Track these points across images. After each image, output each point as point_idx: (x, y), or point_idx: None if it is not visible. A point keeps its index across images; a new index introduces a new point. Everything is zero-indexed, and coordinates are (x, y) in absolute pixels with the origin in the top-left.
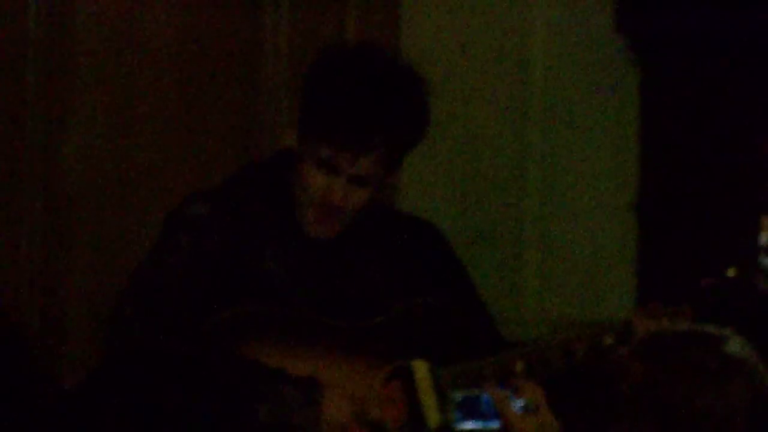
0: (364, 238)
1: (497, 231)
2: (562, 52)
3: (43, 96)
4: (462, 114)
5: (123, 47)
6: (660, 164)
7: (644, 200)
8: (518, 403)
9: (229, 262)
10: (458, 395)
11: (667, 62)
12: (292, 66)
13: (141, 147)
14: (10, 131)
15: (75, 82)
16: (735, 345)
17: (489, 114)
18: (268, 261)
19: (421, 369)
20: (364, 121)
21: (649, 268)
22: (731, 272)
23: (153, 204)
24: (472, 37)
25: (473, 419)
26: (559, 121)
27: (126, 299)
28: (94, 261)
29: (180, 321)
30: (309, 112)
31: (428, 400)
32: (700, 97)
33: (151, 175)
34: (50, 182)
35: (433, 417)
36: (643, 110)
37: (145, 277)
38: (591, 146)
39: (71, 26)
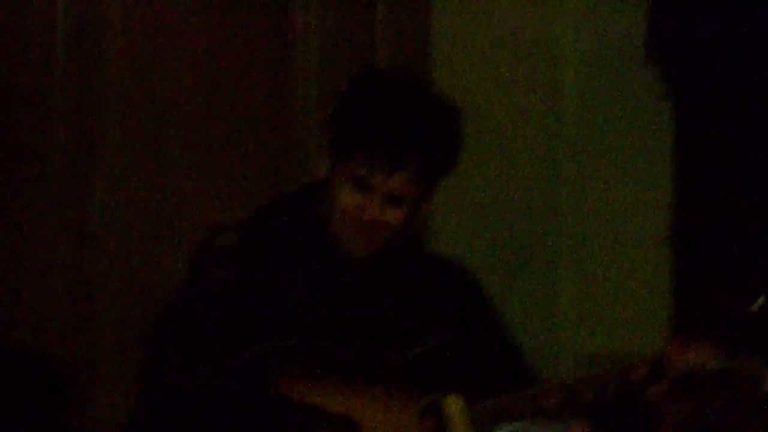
0: (395, 275)
1: (530, 263)
2: (594, 83)
3: (71, 117)
4: (493, 144)
5: (151, 54)
6: (694, 195)
7: (679, 232)
8: None
9: (259, 295)
10: (506, 428)
11: (700, 93)
12: (322, 68)
13: (171, 165)
14: (37, 156)
15: (104, 87)
16: None
17: (520, 145)
18: (298, 294)
19: (454, 404)
20: (396, 137)
21: (684, 301)
22: (761, 302)
23: (183, 228)
24: (502, 67)
25: None
26: (591, 152)
27: (157, 334)
28: (124, 296)
29: (212, 355)
30: (341, 131)
31: None
32: (734, 129)
33: (181, 193)
34: (79, 214)
35: None
36: (676, 141)
37: (175, 312)
38: (624, 178)
39: (99, 35)
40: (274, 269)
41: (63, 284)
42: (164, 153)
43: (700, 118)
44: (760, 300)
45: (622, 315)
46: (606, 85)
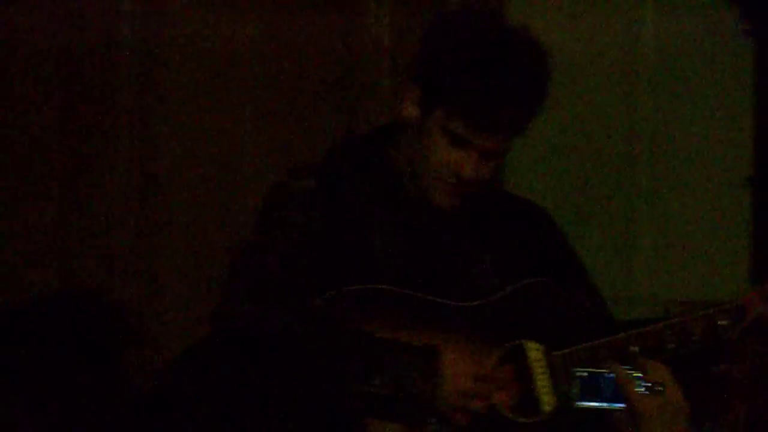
0: (476, 217)
1: (608, 209)
2: (674, 23)
3: (136, 91)
4: (571, 90)
5: (216, 45)
6: None
7: (760, 175)
8: (644, 384)
9: (338, 238)
10: (582, 371)
11: None
12: (394, 65)
13: (232, 140)
14: (105, 122)
15: (169, 74)
16: None
17: (599, 89)
18: (376, 238)
19: (534, 351)
20: (501, 99)
21: (764, 246)
22: None
23: (244, 192)
24: (580, 13)
25: (595, 398)
26: (670, 95)
27: (236, 276)
28: (188, 245)
29: (292, 296)
30: (438, 89)
31: (542, 383)
32: None
33: (243, 165)
34: (144, 170)
35: (546, 400)
36: (757, 81)
37: (255, 253)
38: (704, 120)
39: (165, 25)
40: (353, 213)
41: (128, 229)
42: (229, 110)
43: None
44: None
45: (700, 262)
46: (686, 25)
